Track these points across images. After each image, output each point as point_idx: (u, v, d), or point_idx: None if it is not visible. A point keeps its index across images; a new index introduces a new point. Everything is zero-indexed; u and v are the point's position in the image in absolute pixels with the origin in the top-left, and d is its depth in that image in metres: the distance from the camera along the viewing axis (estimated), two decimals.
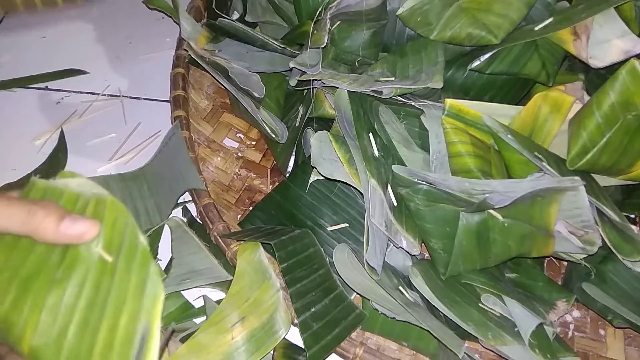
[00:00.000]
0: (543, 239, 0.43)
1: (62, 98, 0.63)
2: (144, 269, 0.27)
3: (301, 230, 0.45)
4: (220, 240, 0.45)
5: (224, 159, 0.57)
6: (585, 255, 0.44)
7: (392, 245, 0.45)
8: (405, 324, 0.44)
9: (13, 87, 0.63)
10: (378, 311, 0.44)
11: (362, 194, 0.43)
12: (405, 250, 0.42)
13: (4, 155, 0.57)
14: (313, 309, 0.41)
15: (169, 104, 0.54)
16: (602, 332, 0.48)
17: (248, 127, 0.60)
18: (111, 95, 0.64)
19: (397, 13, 0.50)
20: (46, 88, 0.64)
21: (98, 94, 0.64)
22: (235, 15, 0.63)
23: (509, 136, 0.42)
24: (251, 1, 0.61)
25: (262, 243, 0.44)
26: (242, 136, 0.59)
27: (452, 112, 0.43)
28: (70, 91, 0.64)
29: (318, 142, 0.44)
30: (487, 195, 0.40)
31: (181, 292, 0.47)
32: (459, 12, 0.49)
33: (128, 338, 0.26)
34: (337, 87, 0.47)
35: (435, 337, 0.41)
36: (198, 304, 0.47)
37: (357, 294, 0.43)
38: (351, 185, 0.44)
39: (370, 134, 0.45)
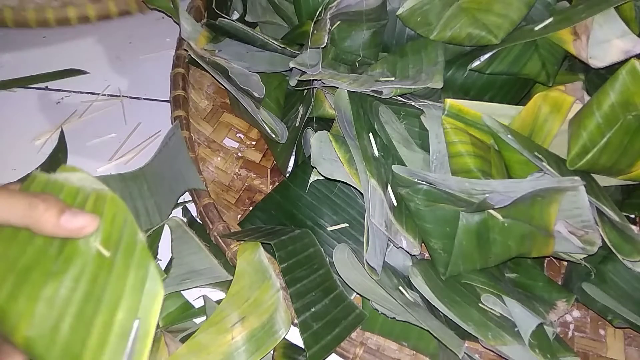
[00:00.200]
0: (543, 239, 0.43)
1: (62, 98, 0.63)
2: (144, 266, 0.27)
3: (301, 230, 0.45)
4: (220, 240, 0.45)
5: (224, 159, 0.57)
6: (585, 255, 0.44)
7: (392, 245, 0.45)
8: (405, 324, 0.44)
9: (13, 87, 0.63)
10: (378, 311, 0.44)
11: (362, 194, 0.43)
12: (405, 250, 0.42)
13: (4, 155, 0.57)
14: (313, 309, 0.41)
15: (169, 104, 0.54)
16: (602, 332, 0.48)
17: (248, 127, 0.60)
18: (111, 95, 0.64)
19: (397, 13, 0.50)
20: (46, 88, 0.64)
21: (98, 94, 0.64)
22: (235, 15, 0.63)
23: (509, 136, 0.42)
24: (251, 1, 0.61)
25: (262, 243, 0.44)
26: (242, 136, 0.59)
27: (452, 112, 0.43)
28: (70, 91, 0.64)
29: (318, 142, 0.44)
30: (487, 195, 0.40)
31: (181, 292, 0.47)
32: (459, 12, 0.49)
33: (123, 334, 0.26)
34: (337, 87, 0.47)
35: (435, 337, 0.41)
36: (198, 304, 0.47)
37: (357, 294, 0.43)
38: (351, 185, 0.44)
39: (370, 134, 0.45)
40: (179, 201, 0.52)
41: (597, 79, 0.49)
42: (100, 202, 0.30)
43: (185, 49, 0.56)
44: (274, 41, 0.53)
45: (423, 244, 0.44)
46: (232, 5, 0.63)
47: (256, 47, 0.56)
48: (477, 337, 0.40)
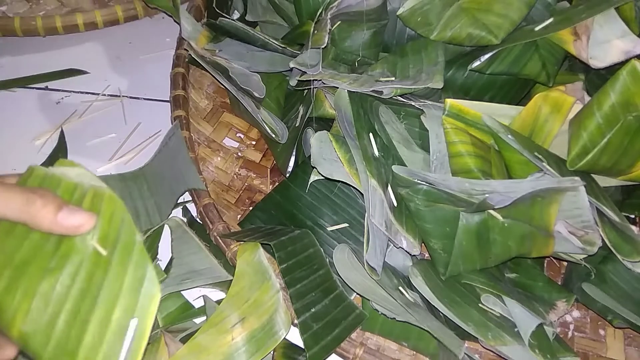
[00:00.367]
0: (543, 239, 0.43)
1: (62, 98, 0.63)
2: (142, 267, 0.28)
3: (301, 230, 0.45)
4: (220, 240, 0.45)
5: (224, 158, 0.57)
6: (585, 255, 0.44)
7: (392, 245, 0.45)
8: (405, 324, 0.44)
9: (13, 87, 0.63)
10: (378, 311, 0.44)
11: (362, 194, 0.43)
12: (405, 250, 0.42)
13: (4, 155, 0.57)
14: (313, 310, 0.41)
15: (169, 104, 0.54)
16: (602, 332, 0.48)
17: (248, 127, 0.60)
18: (111, 95, 0.64)
19: (398, 13, 0.50)
20: (46, 88, 0.64)
21: (98, 94, 0.64)
22: (236, 15, 0.63)
23: (509, 136, 0.42)
24: (251, 1, 0.61)
25: (261, 243, 0.44)
26: (242, 136, 0.59)
27: (452, 112, 0.43)
28: (70, 91, 0.64)
29: (318, 142, 0.44)
30: (487, 195, 0.40)
31: (181, 292, 0.47)
32: (459, 12, 0.49)
33: (119, 333, 0.26)
34: (337, 87, 0.47)
35: (435, 338, 0.41)
36: (198, 304, 0.47)
37: (357, 294, 0.43)
38: (351, 185, 0.44)
39: (371, 134, 0.45)
40: (179, 201, 0.52)
41: (597, 79, 0.49)
42: (97, 200, 0.30)
43: (185, 49, 0.56)
44: (274, 41, 0.53)
45: (423, 244, 0.44)
46: (232, 5, 0.63)
47: (256, 47, 0.56)
48: (477, 337, 0.40)
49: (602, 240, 0.42)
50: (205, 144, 0.57)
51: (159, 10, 0.70)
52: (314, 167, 0.45)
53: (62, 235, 0.29)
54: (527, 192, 0.39)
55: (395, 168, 0.42)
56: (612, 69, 0.44)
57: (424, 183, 0.41)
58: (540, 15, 0.51)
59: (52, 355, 0.27)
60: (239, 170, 0.57)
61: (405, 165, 0.46)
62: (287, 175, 0.52)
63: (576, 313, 0.49)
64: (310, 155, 0.44)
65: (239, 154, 0.58)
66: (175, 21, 0.63)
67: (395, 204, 0.42)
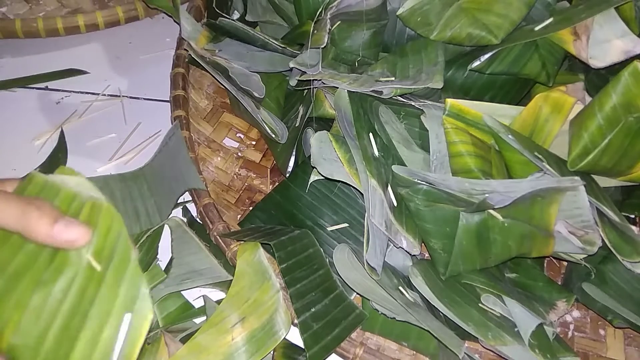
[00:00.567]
0: (543, 239, 0.43)
1: (62, 98, 0.63)
2: (135, 286, 0.27)
3: (301, 230, 0.45)
4: (220, 240, 0.45)
5: (224, 158, 0.57)
6: (585, 255, 0.44)
7: (392, 245, 0.45)
8: (405, 324, 0.44)
9: (13, 87, 0.63)
10: (378, 311, 0.44)
11: (362, 194, 0.43)
12: (405, 250, 0.42)
13: (4, 155, 0.57)
14: (313, 309, 0.41)
15: (169, 104, 0.54)
16: (602, 332, 0.48)
17: (248, 127, 0.60)
18: (111, 95, 0.64)
19: (397, 13, 0.50)
20: (46, 88, 0.64)
21: (98, 94, 0.64)
22: (236, 15, 0.63)
23: (510, 136, 0.42)
24: (251, 1, 0.61)
25: (261, 243, 0.44)
26: (242, 136, 0.59)
27: (452, 112, 0.43)
28: (70, 91, 0.64)
29: (318, 142, 0.44)
30: (487, 195, 0.40)
31: (181, 292, 0.47)
32: (459, 12, 0.49)
33: (107, 352, 0.26)
34: (337, 87, 0.47)
35: (435, 337, 0.41)
36: (198, 304, 0.47)
37: (357, 294, 0.43)
38: (351, 185, 0.44)
39: (370, 134, 0.45)
40: (179, 201, 0.52)
41: (597, 79, 0.49)
42: (95, 212, 0.29)
43: (185, 49, 0.56)
44: (274, 41, 0.53)
45: (423, 244, 0.44)
46: (232, 5, 0.63)
47: (256, 47, 0.56)
48: (477, 337, 0.40)
49: (602, 240, 0.42)
50: (205, 144, 0.57)
51: (160, 11, 0.70)
52: (314, 167, 0.45)
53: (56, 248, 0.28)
54: (527, 192, 0.39)
55: (395, 168, 0.42)
56: (612, 69, 0.44)
57: (424, 183, 0.41)
58: (540, 15, 0.51)
59: None
60: (239, 170, 0.57)
61: (405, 165, 0.46)
62: (287, 175, 0.52)
63: (576, 313, 0.49)
64: (310, 155, 0.44)
65: (239, 154, 0.58)
66: (175, 21, 0.63)
67: (395, 204, 0.42)
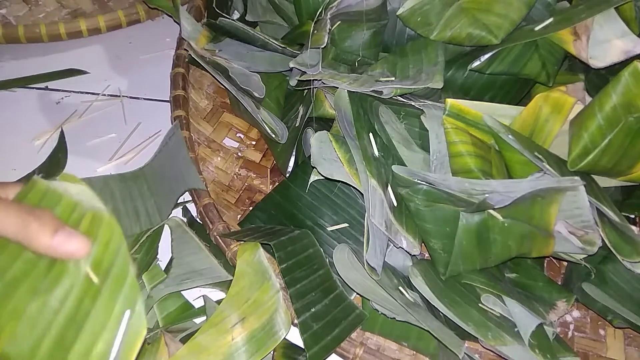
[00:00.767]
0: (543, 239, 0.43)
1: (62, 98, 0.63)
2: (131, 301, 0.27)
3: (301, 230, 0.45)
4: (220, 240, 0.45)
5: (224, 158, 0.57)
6: (585, 255, 0.44)
7: (392, 245, 0.45)
8: (405, 324, 0.44)
9: (13, 87, 0.63)
10: (378, 311, 0.44)
11: (362, 194, 0.43)
12: (405, 250, 0.42)
13: (4, 155, 0.57)
14: (313, 310, 0.41)
15: (169, 104, 0.54)
16: (602, 332, 0.48)
17: (248, 127, 0.60)
18: (111, 95, 0.64)
19: (397, 13, 0.50)
20: (46, 88, 0.64)
21: (98, 94, 0.64)
22: (236, 15, 0.63)
23: (510, 136, 0.42)
24: (251, 1, 0.61)
25: (261, 244, 0.44)
26: (242, 136, 0.59)
27: (453, 112, 0.43)
28: (70, 91, 0.64)
29: (318, 142, 0.44)
30: (487, 195, 0.40)
31: (181, 292, 0.47)
32: (459, 12, 0.49)
33: None
34: (337, 87, 0.47)
35: (435, 337, 0.41)
36: (198, 304, 0.47)
37: (357, 294, 0.43)
38: (351, 185, 0.44)
39: (370, 134, 0.45)
40: (179, 201, 0.52)
41: (597, 79, 0.49)
42: (96, 223, 0.29)
43: (185, 49, 0.56)
44: (274, 41, 0.53)
45: (423, 244, 0.44)
46: (232, 5, 0.63)
47: (256, 47, 0.56)
48: (477, 337, 0.40)
49: (602, 240, 0.42)
50: (205, 144, 0.57)
51: (160, 11, 0.70)
52: (314, 167, 0.45)
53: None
54: (527, 192, 0.39)
55: (395, 168, 0.42)
56: (612, 69, 0.44)
57: (424, 183, 0.41)
58: (540, 15, 0.51)
59: None
60: (239, 170, 0.57)
61: (405, 165, 0.46)
62: (287, 175, 0.52)
63: (576, 313, 0.49)
64: (310, 155, 0.44)
65: (239, 154, 0.58)
66: (175, 21, 0.63)
67: (395, 204, 0.42)
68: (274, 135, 0.52)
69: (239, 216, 0.52)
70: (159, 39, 0.69)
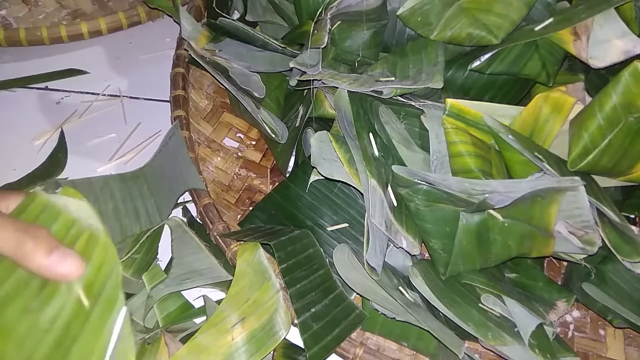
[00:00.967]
0: (543, 239, 0.43)
1: (62, 98, 0.63)
2: (120, 326, 0.27)
3: (301, 230, 0.45)
4: (220, 240, 0.45)
5: (224, 158, 0.57)
6: (585, 255, 0.44)
7: (392, 245, 0.45)
8: (405, 324, 0.44)
9: (13, 87, 0.63)
10: (378, 311, 0.44)
11: (362, 194, 0.43)
12: (405, 250, 0.42)
13: (4, 155, 0.57)
14: (313, 310, 0.41)
15: (169, 104, 0.54)
16: (602, 332, 0.48)
17: (248, 127, 0.60)
18: (111, 95, 0.64)
19: (398, 13, 0.50)
20: (46, 88, 0.64)
21: (98, 94, 0.64)
22: (236, 15, 0.63)
23: (510, 136, 0.42)
24: (251, 1, 0.61)
25: (261, 243, 0.44)
26: (242, 136, 0.59)
27: (453, 112, 0.43)
28: (70, 91, 0.64)
29: (318, 142, 0.44)
30: (487, 195, 0.40)
31: (181, 292, 0.47)
32: (459, 12, 0.49)
33: None
34: (337, 87, 0.47)
35: (435, 337, 0.41)
36: (198, 304, 0.47)
37: (357, 294, 0.43)
38: (351, 185, 0.44)
39: (370, 134, 0.45)
40: (179, 201, 0.52)
41: (597, 79, 0.49)
42: (91, 244, 0.29)
43: (185, 49, 0.56)
44: (274, 41, 0.53)
45: (423, 244, 0.44)
46: (232, 5, 0.63)
47: (256, 47, 0.56)
48: (477, 337, 0.40)
49: (602, 240, 0.42)
50: (205, 144, 0.57)
51: (160, 12, 0.70)
52: (314, 167, 0.45)
53: None
54: (527, 192, 0.39)
55: (395, 168, 0.42)
56: (612, 69, 0.44)
57: (424, 183, 0.41)
58: (540, 15, 0.51)
59: None
60: (239, 170, 0.57)
61: (405, 165, 0.46)
62: (287, 175, 0.52)
63: (576, 313, 0.49)
64: (310, 155, 0.44)
65: (239, 154, 0.58)
66: (175, 21, 0.63)
67: (395, 204, 0.42)
68: (274, 135, 0.52)
69: (239, 216, 0.52)
70: (159, 39, 0.69)
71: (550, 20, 0.47)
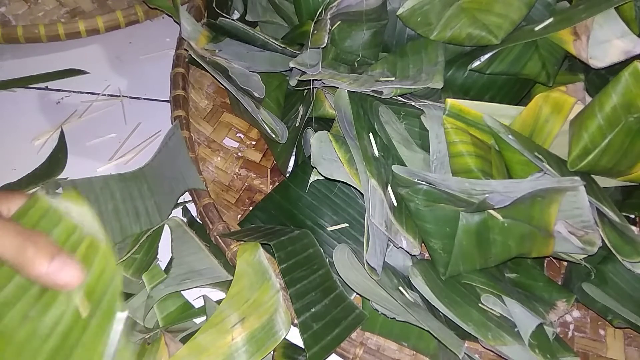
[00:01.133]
0: (543, 239, 0.43)
1: (62, 98, 0.63)
2: (118, 335, 0.27)
3: (301, 230, 0.45)
4: (220, 240, 0.45)
5: (224, 158, 0.57)
6: (585, 255, 0.44)
7: (392, 245, 0.45)
8: (405, 324, 0.44)
9: (13, 87, 0.63)
10: (378, 311, 0.44)
11: (362, 194, 0.43)
12: (405, 250, 0.42)
13: (4, 155, 0.57)
14: (313, 310, 0.41)
15: (169, 104, 0.54)
16: (602, 332, 0.48)
17: (248, 127, 0.60)
18: (111, 95, 0.64)
19: (398, 13, 0.50)
20: (46, 88, 0.64)
21: (98, 94, 0.64)
22: (236, 15, 0.63)
23: (510, 136, 0.42)
24: (251, 1, 0.61)
25: (261, 243, 0.44)
26: (242, 136, 0.59)
27: (453, 112, 0.43)
28: (70, 91, 0.64)
29: (318, 142, 0.44)
30: (487, 195, 0.40)
31: (181, 292, 0.47)
32: (459, 12, 0.49)
33: None
34: (337, 87, 0.47)
35: (435, 337, 0.41)
36: (198, 304, 0.47)
37: (357, 294, 0.43)
38: (351, 185, 0.44)
39: (370, 134, 0.45)
40: (179, 201, 0.52)
41: (597, 79, 0.49)
42: (92, 251, 0.29)
43: (185, 49, 0.56)
44: (274, 41, 0.53)
45: (423, 244, 0.44)
46: (232, 5, 0.63)
47: (256, 47, 0.56)
48: (477, 337, 0.40)
49: (602, 240, 0.42)
50: (205, 144, 0.57)
51: (159, 12, 0.70)
52: (314, 167, 0.45)
53: None
54: (527, 192, 0.39)
55: (395, 168, 0.42)
56: (612, 69, 0.44)
57: (424, 183, 0.41)
58: (540, 15, 0.51)
59: None
60: (239, 170, 0.57)
61: (405, 165, 0.46)
62: (287, 175, 0.52)
63: (576, 313, 0.49)
64: (310, 155, 0.44)
65: (239, 154, 0.58)
66: (175, 21, 0.63)
67: (395, 204, 0.42)
68: (274, 135, 0.52)
69: (239, 216, 0.52)
70: (159, 39, 0.69)
71: (550, 20, 0.47)
